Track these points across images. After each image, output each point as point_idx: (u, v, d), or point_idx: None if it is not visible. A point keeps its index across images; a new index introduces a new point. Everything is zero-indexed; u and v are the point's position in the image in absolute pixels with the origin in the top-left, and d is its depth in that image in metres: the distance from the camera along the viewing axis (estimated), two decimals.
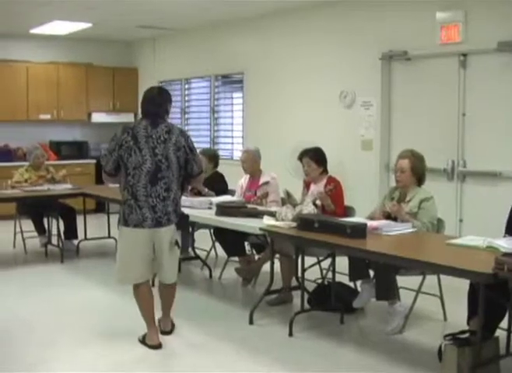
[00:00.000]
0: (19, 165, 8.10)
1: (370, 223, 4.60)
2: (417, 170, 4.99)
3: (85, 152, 10.93)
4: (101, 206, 9.34)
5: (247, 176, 6.28)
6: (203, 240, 6.91)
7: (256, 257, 6.20)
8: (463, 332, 3.90)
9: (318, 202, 5.22)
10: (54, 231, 7.40)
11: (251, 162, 6.19)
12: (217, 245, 6.54)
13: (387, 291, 4.70)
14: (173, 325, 4.71)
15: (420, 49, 6.72)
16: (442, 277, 4.79)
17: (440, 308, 5.03)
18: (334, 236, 4.38)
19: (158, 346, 4.38)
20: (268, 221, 4.95)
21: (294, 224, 4.76)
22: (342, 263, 5.04)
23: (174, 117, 10.10)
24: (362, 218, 4.93)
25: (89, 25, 9.26)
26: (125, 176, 4.32)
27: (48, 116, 10.57)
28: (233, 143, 9.62)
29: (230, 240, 5.91)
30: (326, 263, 5.52)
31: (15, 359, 4.24)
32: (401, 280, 4.84)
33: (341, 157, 7.19)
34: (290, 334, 4.66)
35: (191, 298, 5.67)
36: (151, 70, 10.94)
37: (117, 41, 11.17)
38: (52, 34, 10.03)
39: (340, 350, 4.46)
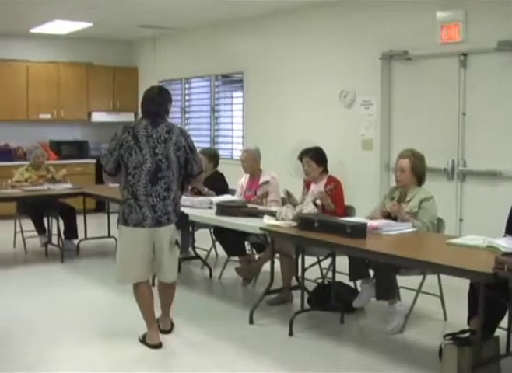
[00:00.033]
0: (19, 165, 8.09)
1: (370, 223, 4.60)
2: (417, 170, 4.99)
3: (86, 152, 10.93)
4: (101, 205, 9.34)
5: (247, 176, 6.28)
6: (203, 240, 6.91)
7: (256, 257, 6.20)
8: (463, 331, 3.90)
9: (318, 202, 5.22)
10: (55, 230, 7.39)
11: (251, 162, 6.19)
12: (217, 244, 6.54)
13: (387, 291, 4.70)
14: (172, 325, 4.71)
15: (420, 48, 6.71)
16: (442, 276, 4.79)
17: (440, 307, 5.03)
18: (335, 236, 4.38)
19: (158, 346, 4.38)
20: (268, 220, 4.96)
21: (294, 223, 4.76)
22: (342, 262, 5.04)
23: (174, 117, 10.10)
24: (362, 218, 4.93)
25: (89, 24, 9.26)
26: (125, 175, 4.32)
27: (48, 116, 10.57)
28: (233, 142, 9.62)
29: (230, 240, 5.90)
30: (326, 263, 5.52)
31: (15, 359, 4.24)
32: (401, 280, 4.84)
33: (341, 156, 7.19)
34: (290, 334, 4.66)
35: (191, 298, 5.67)
36: (151, 69, 10.94)
37: (117, 41, 11.17)
38: (52, 33, 10.03)
39: (340, 349, 4.46)
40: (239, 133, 9.39)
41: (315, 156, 5.68)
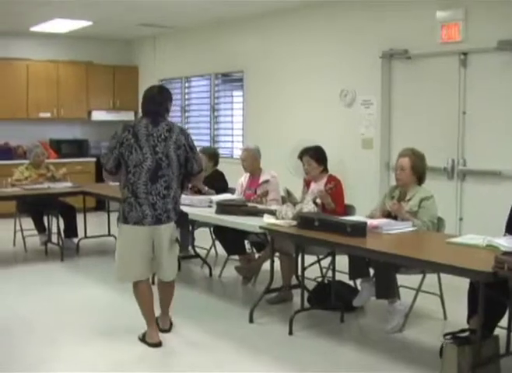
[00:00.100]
0: (19, 164, 8.09)
1: (370, 222, 4.61)
2: (417, 169, 4.98)
3: (86, 150, 10.93)
4: (101, 204, 9.35)
5: (247, 175, 6.28)
6: (203, 238, 6.91)
7: (256, 256, 6.20)
8: (463, 330, 3.90)
9: (318, 200, 5.22)
10: (54, 229, 7.39)
11: (251, 161, 6.19)
12: (217, 243, 6.54)
13: (387, 290, 4.70)
14: (171, 324, 4.71)
15: (420, 48, 6.71)
16: (442, 275, 4.79)
17: (440, 306, 5.03)
18: (335, 235, 4.38)
19: (158, 345, 4.39)
20: (268, 219, 4.96)
21: (294, 222, 4.76)
22: (342, 261, 5.04)
23: (174, 116, 10.09)
24: (362, 217, 4.93)
25: (89, 23, 9.26)
26: (125, 173, 4.33)
27: (48, 115, 10.57)
28: (233, 141, 9.62)
29: (230, 238, 5.90)
30: (326, 262, 5.52)
31: (14, 358, 4.24)
32: (401, 279, 4.84)
33: (341, 155, 7.19)
34: (290, 333, 4.66)
35: (191, 297, 5.67)
36: (151, 68, 10.93)
37: (117, 39, 11.16)
38: (52, 32, 10.02)
39: (340, 348, 4.46)
40: (239, 132, 9.39)
41: (315, 155, 5.68)
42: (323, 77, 7.84)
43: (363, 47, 7.29)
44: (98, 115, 11.01)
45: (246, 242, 6.07)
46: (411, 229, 4.64)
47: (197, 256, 6.67)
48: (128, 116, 10.84)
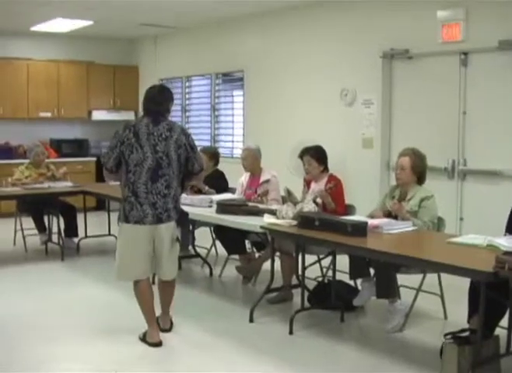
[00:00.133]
0: (19, 163, 8.08)
1: (371, 221, 4.61)
2: (417, 168, 4.98)
3: (86, 150, 10.93)
4: (101, 204, 9.35)
5: (248, 174, 6.28)
6: (203, 238, 6.91)
7: (256, 255, 6.20)
8: (463, 330, 3.90)
9: (319, 200, 5.21)
10: (55, 228, 7.39)
11: (252, 160, 6.19)
12: (217, 243, 6.54)
13: (388, 290, 4.70)
14: (171, 323, 4.71)
15: (421, 47, 6.71)
16: (442, 275, 4.79)
17: (441, 306, 5.03)
18: (335, 234, 4.38)
19: (158, 344, 4.39)
20: (268, 219, 4.95)
21: (295, 222, 4.76)
22: (343, 261, 5.04)
23: (175, 115, 10.09)
24: (362, 217, 4.93)
25: (90, 22, 9.26)
26: (126, 173, 4.33)
27: (49, 114, 10.57)
28: (233, 141, 9.62)
29: (231, 238, 5.90)
30: (326, 262, 5.52)
31: (15, 358, 4.23)
32: (402, 279, 4.84)
33: (341, 155, 7.18)
34: (290, 332, 4.66)
35: (192, 296, 5.67)
36: (152, 68, 10.93)
37: (118, 39, 11.17)
38: (53, 32, 10.02)
39: (340, 348, 4.47)
40: (239, 131, 9.39)
41: (316, 155, 5.68)
42: (323, 76, 7.84)
43: (364, 47, 7.29)
44: (98, 115, 11.01)
45: (246, 241, 6.07)
46: (411, 229, 4.63)
47: (197, 255, 6.67)
48: (128, 115, 10.83)
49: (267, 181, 6.04)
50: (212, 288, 6.21)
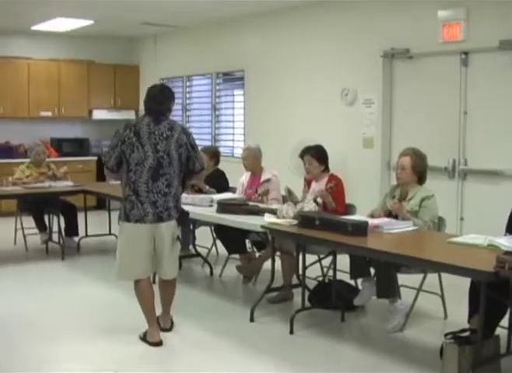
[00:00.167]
0: (20, 162, 8.09)
1: (371, 221, 4.61)
2: (418, 168, 4.98)
3: (87, 149, 10.93)
4: (102, 203, 9.36)
5: (248, 174, 6.27)
6: (204, 237, 6.91)
7: (257, 255, 6.20)
8: (464, 330, 3.90)
9: (319, 200, 5.21)
10: (55, 228, 7.39)
11: (252, 160, 6.18)
12: (218, 242, 6.53)
13: (388, 289, 4.70)
14: (172, 323, 4.71)
15: (422, 47, 6.71)
16: (443, 275, 4.79)
17: (441, 306, 5.03)
18: (336, 234, 4.38)
19: (159, 344, 4.39)
20: (269, 218, 4.96)
21: (295, 221, 4.76)
22: (343, 260, 5.04)
23: (175, 114, 10.09)
24: (363, 216, 4.93)
25: (90, 22, 9.25)
26: (127, 171, 4.34)
27: (49, 113, 10.57)
28: (234, 140, 9.62)
29: (231, 237, 5.90)
30: (327, 261, 5.52)
31: (15, 357, 4.23)
32: (402, 279, 4.84)
33: (342, 155, 7.17)
34: (291, 332, 4.66)
35: (192, 296, 5.67)
36: (152, 67, 10.93)
37: (118, 38, 11.16)
38: (54, 31, 10.02)
39: (341, 347, 4.47)
40: (240, 131, 9.39)
41: (316, 154, 5.68)
42: (324, 76, 7.83)
43: (365, 46, 7.28)
44: (99, 114, 11.01)
45: (247, 241, 6.07)
46: (412, 229, 4.64)
47: (198, 255, 6.67)
48: (129, 115, 10.83)
49: (267, 180, 6.04)
50: (212, 288, 6.21)
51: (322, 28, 7.83)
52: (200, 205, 5.77)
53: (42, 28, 9.70)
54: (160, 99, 4.43)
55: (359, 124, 7.40)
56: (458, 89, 6.43)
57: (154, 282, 4.95)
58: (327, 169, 5.72)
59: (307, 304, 5.01)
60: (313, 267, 5.56)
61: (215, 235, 6.50)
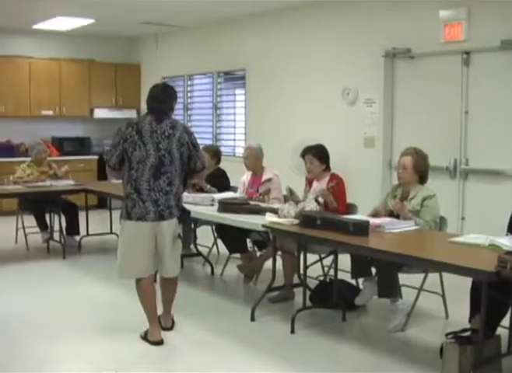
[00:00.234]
0: (21, 161, 8.08)
1: (373, 220, 4.60)
2: (419, 168, 4.98)
3: (88, 148, 10.93)
4: (103, 202, 9.36)
5: (250, 173, 6.28)
6: (205, 237, 6.91)
7: (258, 254, 6.20)
8: (465, 330, 3.90)
9: (321, 199, 5.21)
10: (56, 227, 7.40)
11: (254, 159, 6.18)
12: (219, 241, 6.53)
13: (389, 289, 4.69)
14: (173, 322, 4.71)
15: (423, 47, 6.71)
16: (444, 275, 4.80)
17: (442, 306, 5.03)
18: (337, 233, 4.38)
19: (160, 343, 4.39)
20: (270, 217, 4.95)
21: (296, 221, 4.76)
22: (344, 260, 5.04)
23: (177, 114, 10.06)
24: (364, 216, 4.93)
25: (91, 21, 9.25)
26: (129, 170, 4.35)
27: (50, 112, 10.57)
28: (235, 139, 9.62)
29: (232, 237, 5.90)
30: (328, 261, 5.52)
31: (16, 357, 4.23)
32: (403, 278, 4.84)
33: (343, 154, 7.18)
34: (292, 331, 4.66)
35: (193, 295, 5.68)
36: (153, 66, 10.94)
37: (119, 37, 11.17)
38: (55, 30, 10.02)
39: (342, 347, 4.47)
40: (241, 130, 9.39)
41: (318, 154, 5.67)
42: (325, 75, 7.83)
43: (366, 46, 7.28)
44: (100, 113, 11.02)
45: (248, 240, 6.08)
46: (413, 228, 4.63)
47: (199, 254, 6.68)
48: (130, 114, 10.82)
49: (269, 180, 6.04)
50: (213, 287, 6.21)
51: (323, 28, 7.83)
52: (201, 204, 5.77)
53: (43, 27, 9.70)
54: (162, 97, 4.43)
55: (360, 124, 7.40)
56: (460, 89, 6.43)
57: (155, 281, 4.95)
58: (328, 168, 5.72)
59: (308, 303, 5.01)
60: (315, 267, 5.56)
61: (216, 234, 6.50)
